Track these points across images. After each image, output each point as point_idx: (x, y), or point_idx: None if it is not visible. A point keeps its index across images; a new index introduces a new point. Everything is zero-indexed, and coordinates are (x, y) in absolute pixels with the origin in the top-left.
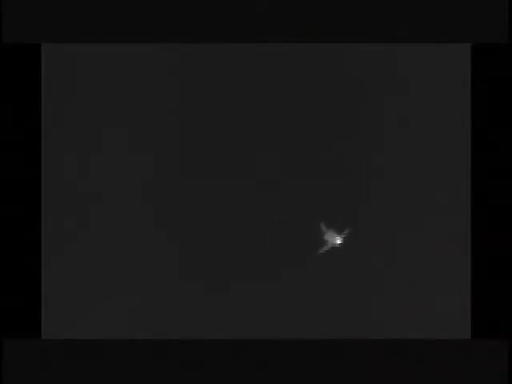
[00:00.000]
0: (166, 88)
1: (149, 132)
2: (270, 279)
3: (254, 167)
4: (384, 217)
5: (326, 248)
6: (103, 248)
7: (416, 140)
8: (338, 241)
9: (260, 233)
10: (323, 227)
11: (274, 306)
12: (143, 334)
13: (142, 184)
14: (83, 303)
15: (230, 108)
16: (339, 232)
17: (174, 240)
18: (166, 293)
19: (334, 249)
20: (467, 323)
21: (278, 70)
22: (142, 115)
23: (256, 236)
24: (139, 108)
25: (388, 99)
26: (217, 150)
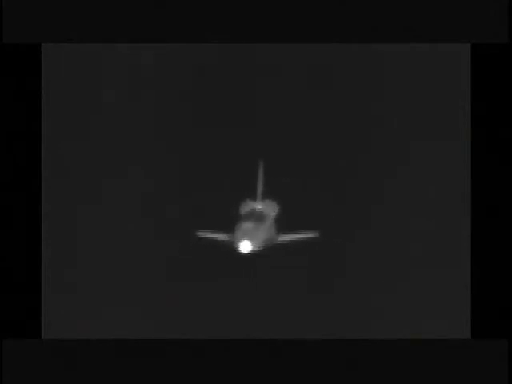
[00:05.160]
0: (166, 87)
1: (149, 131)
2: (270, 279)
3: (254, 168)
4: (384, 219)
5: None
6: (103, 250)
7: (416, 139)
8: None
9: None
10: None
11: (275, 306)
12: (143, 334)
13: (142, 184)
14: (83, 304)
15: (231, 107)
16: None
17: (173, 241)
18: (166, 294)
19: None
20: (467, 323)
21: (278, 70)
22: (141, 114)
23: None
24: (139, 107)
25: (388, 98)
26: (216, 151)
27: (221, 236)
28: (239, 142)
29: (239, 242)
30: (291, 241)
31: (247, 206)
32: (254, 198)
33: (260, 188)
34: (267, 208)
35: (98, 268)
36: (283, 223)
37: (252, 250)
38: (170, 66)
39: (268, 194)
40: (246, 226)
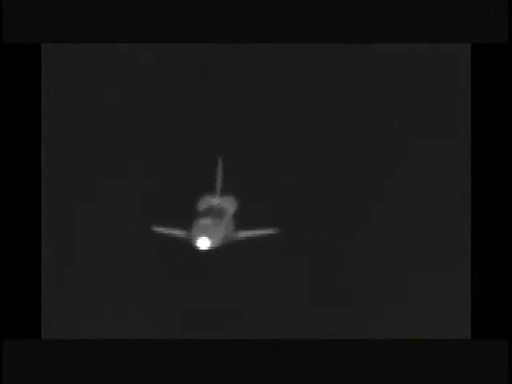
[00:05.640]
0: (166, 87)
1: (149, 131)
2: (270, 279)
3: (253, 169)
4: (384, 218)
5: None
6: (103, 250)
7: (416, 139)
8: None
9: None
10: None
11: (275, 306)
12: (142, 334)
13: (142, 184)
14: (83, 304)
15: (231, 107)
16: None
17: (173, 242)
18: (166, 294)
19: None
20: (467, 323)
21: (278, 70)
22: (141, 114)
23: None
24: (139, 107)
25: (388, 98)
26: (216, 151)
27: (177, 232)
28: (239, 141)
29: (197, 238)
30: (250, 237)
31: (205, 202)
32: (212, 193)
33: (219, 183)
34: (226, 204)
35: (98, 268)
36: (283, 223)
37: (210, 247)
38: (170, 65)
39: (228, 191)
40: (204, 222)
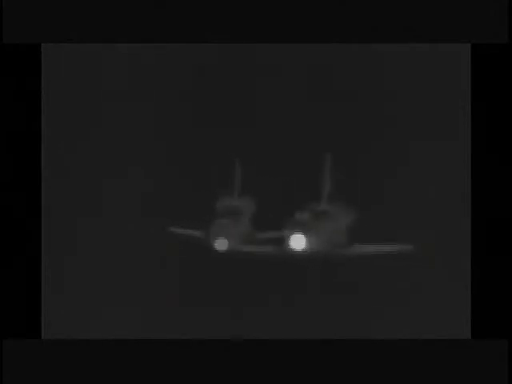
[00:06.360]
0: (166, 87)
1: (149, 131)
2: (270, 279)
3: (253, 169)
4: (385, 218)
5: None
6: (103, 250)
7: (416, 139)
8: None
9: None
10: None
11: (275, 306)
12: (143, 334)
13: (142, 184)
14: (83, 304)
15: (231, 107)
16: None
17: (173, 242)
18: (166, 294)
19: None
20: (467, 323)
21: (278, 70)
22: (141, 114)
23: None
24: (139, 107)
25: (388, 98)
26: (217, 151)
27: (195, 233)
28: (239, 141)
29: (215, 239)
30: (269, 239)
31: (223, 203)
32: (230, 194)
33: (238, 185)
34: (244, 204)
35: (98, 268)
36: (283, 223)
37: (228, 249)
38: (170, 65)
39: (247, 192)
40: (222, 222)
